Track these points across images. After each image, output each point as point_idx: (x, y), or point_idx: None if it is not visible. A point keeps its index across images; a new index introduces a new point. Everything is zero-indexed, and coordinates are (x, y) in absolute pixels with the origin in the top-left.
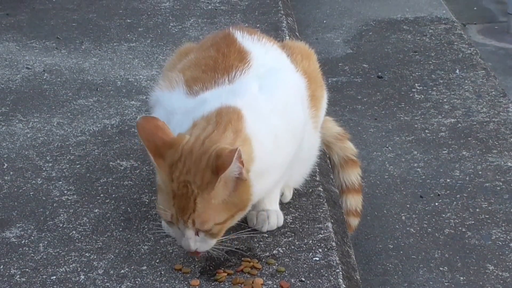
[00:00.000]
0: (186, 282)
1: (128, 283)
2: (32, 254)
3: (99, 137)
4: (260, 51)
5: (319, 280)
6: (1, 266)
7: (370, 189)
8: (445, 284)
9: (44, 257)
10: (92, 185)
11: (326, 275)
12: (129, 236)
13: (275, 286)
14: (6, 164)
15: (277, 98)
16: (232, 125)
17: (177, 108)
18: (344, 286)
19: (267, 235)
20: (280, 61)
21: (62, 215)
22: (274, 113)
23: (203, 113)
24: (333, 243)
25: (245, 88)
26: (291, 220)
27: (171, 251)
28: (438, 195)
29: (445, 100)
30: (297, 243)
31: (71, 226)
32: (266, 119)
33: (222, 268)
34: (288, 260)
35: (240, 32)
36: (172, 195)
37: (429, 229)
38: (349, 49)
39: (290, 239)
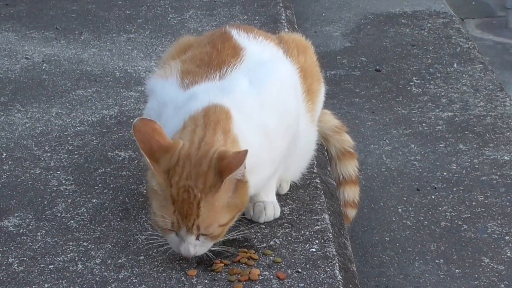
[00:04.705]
0: (183, 272)
1: (126, 273)
2: (30, 243)
3: (98, 128)
4: (255, 47)
5: (316, 271)
6: None
7: (367, 182)
8: (441, 276)
9: (42, 246)
10: (90, 175)
11: (322, 266)
12: (126, 226)
13: (271, 276)
14: (4, 154)
15: (268, 92)
16: (220, 126)
17: (168, 100)
18: (340, 277)
19: (264, 226)
20: (274, 56)
21: (60, 204)
22: (265, 109)
23: (191, 113)
24: (330, 234)
25: (234, 85)
26: (288, 212)
27: None
28: (435, 188)
29: (442, 94)
30: (294, 234)
31: (69, 215)
32: (255, 116)
33: (219, 259)
34: (285, 251)
35: (236, 30)
36: (172, 201)
37: (426, 222)
38: (348, 43)
39: (287, 230)
